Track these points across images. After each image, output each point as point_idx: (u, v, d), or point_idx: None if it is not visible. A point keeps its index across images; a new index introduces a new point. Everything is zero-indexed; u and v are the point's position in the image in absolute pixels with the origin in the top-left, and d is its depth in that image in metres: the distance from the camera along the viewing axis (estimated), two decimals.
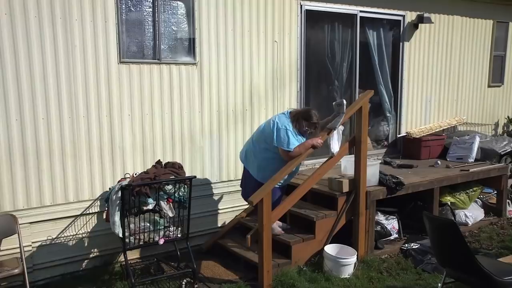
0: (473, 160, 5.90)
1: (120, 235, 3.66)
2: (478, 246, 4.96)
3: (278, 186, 4.17)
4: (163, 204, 3.77)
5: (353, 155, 4.62)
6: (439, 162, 5.82)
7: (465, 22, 6.78)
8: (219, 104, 4.82)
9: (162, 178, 3.78)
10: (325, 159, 4.53)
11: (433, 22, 6.24)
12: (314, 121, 4.13)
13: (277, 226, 4.42)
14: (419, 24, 6.20)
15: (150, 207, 3.71)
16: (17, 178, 3.87)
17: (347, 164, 4.78)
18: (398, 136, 6.38)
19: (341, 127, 4.33)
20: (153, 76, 4.39)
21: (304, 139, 4.19)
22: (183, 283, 3.92)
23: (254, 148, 4.28)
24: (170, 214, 3.81)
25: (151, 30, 4.37)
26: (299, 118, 4.13)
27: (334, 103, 4.37)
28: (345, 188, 4.53)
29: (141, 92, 4.35)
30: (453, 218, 5.34)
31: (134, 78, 4.30)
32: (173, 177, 3.86)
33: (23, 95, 3.82)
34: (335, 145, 4.33)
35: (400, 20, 6.12)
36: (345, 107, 4.23)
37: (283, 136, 4.05)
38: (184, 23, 4.56)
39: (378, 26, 6.02)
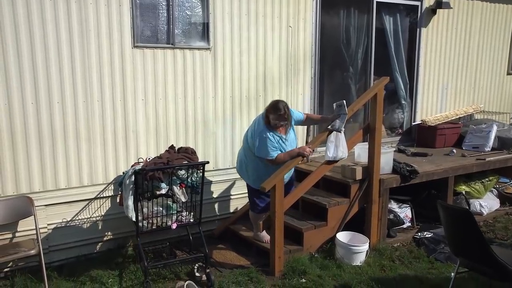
0: (489, 149, 5.80)
1: (134, 219, 3.69)
2: (492, 236, 4.91)
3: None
4: (176, 189, 3.79)
5: (366, 143, 4.58)
6: (454, 150, 5.74)
7: (485, 7, 6.60)
8: (233, 90, 4.80)
9: (175, 163, 3.79)
10: None
11: (452, 7, 6.09)
12: (281, 112, 3.81)
13: (266, 234, 4.38)
14: (437, 10, 6.05)
15: (163, 191, 3.73)
16: (33, 161, 3.93)
17: (360, 151, 4.75)
18: (413, 124, 6.30)
19: (342, 134, 4.15)
20: (167, 61, 4.38)
21: (289, 135, 4.02)
22: (195, 267, 3.96)
23: (246, 158, 4.15)
24: (183, 199, 3.83)
25: (165, 14, 4.34)
26: (267, 114, 3.89)
27: (334, 104, 4.19)
28: (358, 176, 4.50)
29: (155, 76, 4.35)
30: (467, 208, 5.27)
31: (148, 63, 4.29)
32: (186, 162, 3.86)
33: (39, 79, 3.85)
34: (345, 148, 4.16)
35: (417, 6, 5.98)
36: (346, 107, 4.08)
37: (261, 146, 3.88)
38: (198, 7, 4.52)
39: (395, 12, 5.89)
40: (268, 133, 3.89)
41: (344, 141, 4.18)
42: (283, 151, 3.97)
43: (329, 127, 4.12)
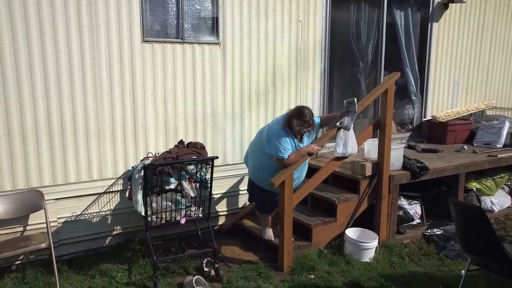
0: (501, 146, 5.72)
1: (143, 213, 3.70)
2: (504, 234, 4.86)
3: (272, 190, 3.96)
4: (185, 184, 3.79)
5: (376, 139, 4.54)
6: (465, 147, 5.68)
7: (499, 1, 6.50)
8: (242, 85, 4.78)
9: (185, 158, 3.79)
10: None
11: (464, 2, 6.00)
12: (306, 119, 3.77)
13: (271, 231, 4.36)
14: (450, 4, 5.97)
15: (172, 186, 3.73)
16: (43, 155, 3.95)
17: (370, 147, 4.71)
18: (423, 120, 6.24)
19: (352, 130, 4.09)
20: (176, 55, 4.37)
21: (303, 144, 3.97)
22: (204, 262, 3.96)
23: (254, 152, 4.14)
24: (192, 194, 3.83)
25: (174, 9, 4.33)
26: (290, 118, 3.81)
27: (345, 100, 4.10)
28: (368, 172, 4.47)
29: (164, 71, 4.35)
30: (478, 205, 5.22)
31: (157, 58, 4.29)
32: (195, 157, 3.86)
33: (49, 74, 3.86)
34: (355, 143, 4.11)
35: (429, 0, 5.90)
36: (356, 106, 3.99)
37: (274, 144, 3.82)
38: (207, 2, 4.50)
39: (406, 6, 5.83)
40: (284, 136, 3.83)
41: (354, 137, 4.13)
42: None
43: (338, 124, 4.06)
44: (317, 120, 4.16)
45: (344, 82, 5.75)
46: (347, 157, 4.22)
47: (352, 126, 4.05)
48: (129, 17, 4.10)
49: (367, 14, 5.56)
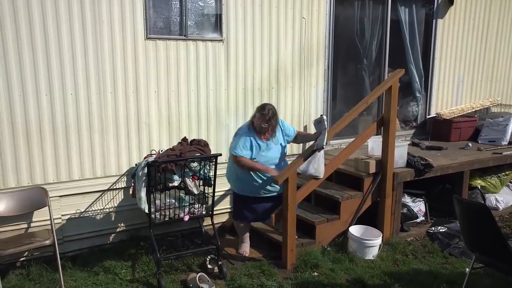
0: (506, 143, 5.69)
1: (146, 210, 3.69)
2: (509, 232, 4.84)
3: (241, 194, 4.04)
4: (188, 181, 3.79)
5: (380, 136, 4.53)
6: (470, 144, 5.65)
7: None
8: (245, 82, 4.77)
9: (188, 155, 3.77)
10: (352, 139, 4.44)
11: None
12: (264, 112, 3.78)
13: (246, 245, 4.34)
14: (454, 0, 5.92)
15: (176, 183, 3.73)
16: (47, 152, 3.96)
17: (374, 144, 4.69)
18: (428, 117, 6.20)
19: (322, 152, 3.97)
20: (179, 52, 4.37)
21: (268, 144, 3.89)
22: (207, 259, 3.97)
23: (232, 164, 4.08)
24: (195, 191, 3.82)
25: (178, 6, 4.32)
26: (254, 113, 3.88)
27: (314, 120, 4.05)
28: (372, 169, 4.45)
29: (167, 68, 4.34)
30: (483, 202, 5.19)
31: (160, 55, 4.28)
32: (199, 154, 3.85)
33: (52, 71, 3.86)
34: (321, 167, 4.00)
35: None
36: (326, 123, 3.91)
37: (235, 141, 3.90)
38: None
39: (411, 3, 5.79)
40: (246, 136, 3.86)
41: (322, 160, 4.00)
42: (255, 158, 3.87)
43: (314, 147, 3.96)
44: (290, 128, 4.11)
45: (348, 79, 5.73)
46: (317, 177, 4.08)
47: (325, 144, 3.90)
48: (133, 14, 4.09)
49: (371, 10, 5.53)
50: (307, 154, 3.99)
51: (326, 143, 3.93)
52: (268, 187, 3.98)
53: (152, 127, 4.37)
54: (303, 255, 4.08)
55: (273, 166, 3.94)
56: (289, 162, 4.12)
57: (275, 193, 4.03)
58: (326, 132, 3.90)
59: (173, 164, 3.69)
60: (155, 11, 4.24)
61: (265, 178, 3.93)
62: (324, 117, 3.94)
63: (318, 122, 3.98)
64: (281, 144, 4.02)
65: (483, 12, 6.30)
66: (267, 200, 4.04)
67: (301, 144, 5.05)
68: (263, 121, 3.82)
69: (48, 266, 3.85)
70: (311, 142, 4.12)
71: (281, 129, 4.05)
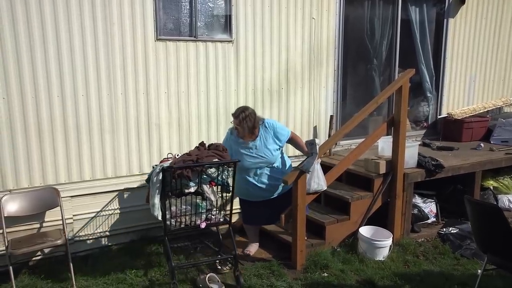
0: None
1: (159, 218, 3.53)
2: None
3: (240, 197, 4.19)
4: (206, 187, 3.62)
5: (390, 136, 4.50)
6: (482, 144, 5.59)
7: None
8: (255, 83, 4.77)
9: (205, 161, 3.56)
10: (362, 139, 4.42)
11: None
12: (234, 113, 3.84)
13: (253, 246, 4.36)
14: None
15: (192, 190, 3.56)
16: (59, 153, 4.00)
17: (384, 145, 4.66)
18: (439, 117, 6.15)
19: (318, 166, 3.97)
20: (189, 53, 4.39)
21: (251, 144, 3.90)
22: (217, 261, 3.96)
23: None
24: (213, 198, 3.67)
25: (187, 7, 4.34)
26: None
27: (306, 141, 4.00)
28: (382, 170, 4.43)
29: (177, 69, 4.36)
30: (495, 203, 5.13)
31: (170, 56, 4.31)
32: (217, 160, 3.64)
33: (64, 72, 3.90)
34: (321, 180, 4.01)
35: None
36: (317, 146, 3.84)
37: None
38: (220, 0, 4.50)
39: (421, 2, 5.74)
40: (229, 134, 4.03)
41: (321, 173, 4.00)
42: (236, 155, 3.87)
43: (300, 167, 3.90)
44: (283, 131, 4.02)
45: (358, 80, 5.71)
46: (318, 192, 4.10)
47: (311, 170, 3.88)
48: (143, 15, 4.12)
49: (381, 10, 5.50)
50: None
51: (311, 168, 3.86)
52: (257, 192, 4.03)
53: (162, 128, 4.39)
54: (313, 255, 4.07)
55: (261, 168, 3.97)
56: (293, 164, 4.12)
57: (272, 197, 4.06)
58: (316, 157, 3.86)
59: (190, 170, 3.50)
60: (165, 12, 4.27)
61: (251, 183, 4.00)
62: (317, 140, 3.90)
63: (310, 144, 3.91)
64: (267, 146, 3.94)
65: (495, 11, 6.23)
66: (266, 204, 4.07)
67: None
68: (236, 124, 3.86)
69: (59, 265, 3.89)
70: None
71: (271, 132, 3.97)
